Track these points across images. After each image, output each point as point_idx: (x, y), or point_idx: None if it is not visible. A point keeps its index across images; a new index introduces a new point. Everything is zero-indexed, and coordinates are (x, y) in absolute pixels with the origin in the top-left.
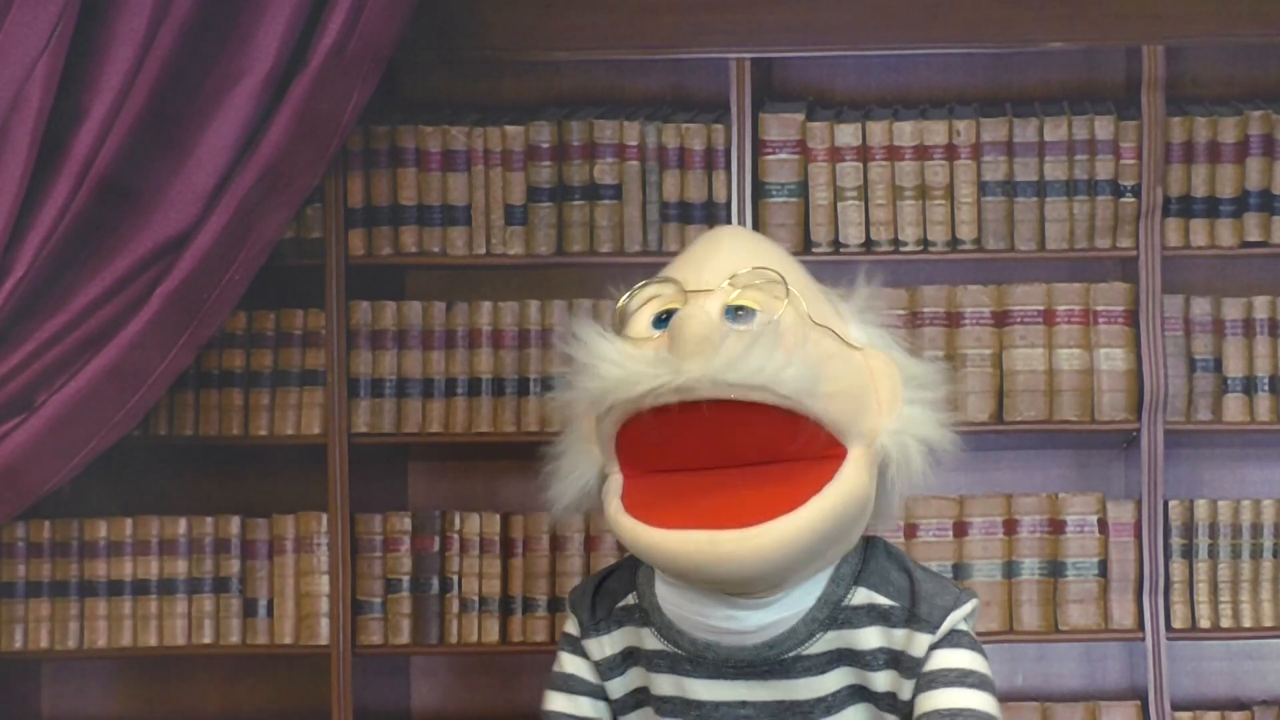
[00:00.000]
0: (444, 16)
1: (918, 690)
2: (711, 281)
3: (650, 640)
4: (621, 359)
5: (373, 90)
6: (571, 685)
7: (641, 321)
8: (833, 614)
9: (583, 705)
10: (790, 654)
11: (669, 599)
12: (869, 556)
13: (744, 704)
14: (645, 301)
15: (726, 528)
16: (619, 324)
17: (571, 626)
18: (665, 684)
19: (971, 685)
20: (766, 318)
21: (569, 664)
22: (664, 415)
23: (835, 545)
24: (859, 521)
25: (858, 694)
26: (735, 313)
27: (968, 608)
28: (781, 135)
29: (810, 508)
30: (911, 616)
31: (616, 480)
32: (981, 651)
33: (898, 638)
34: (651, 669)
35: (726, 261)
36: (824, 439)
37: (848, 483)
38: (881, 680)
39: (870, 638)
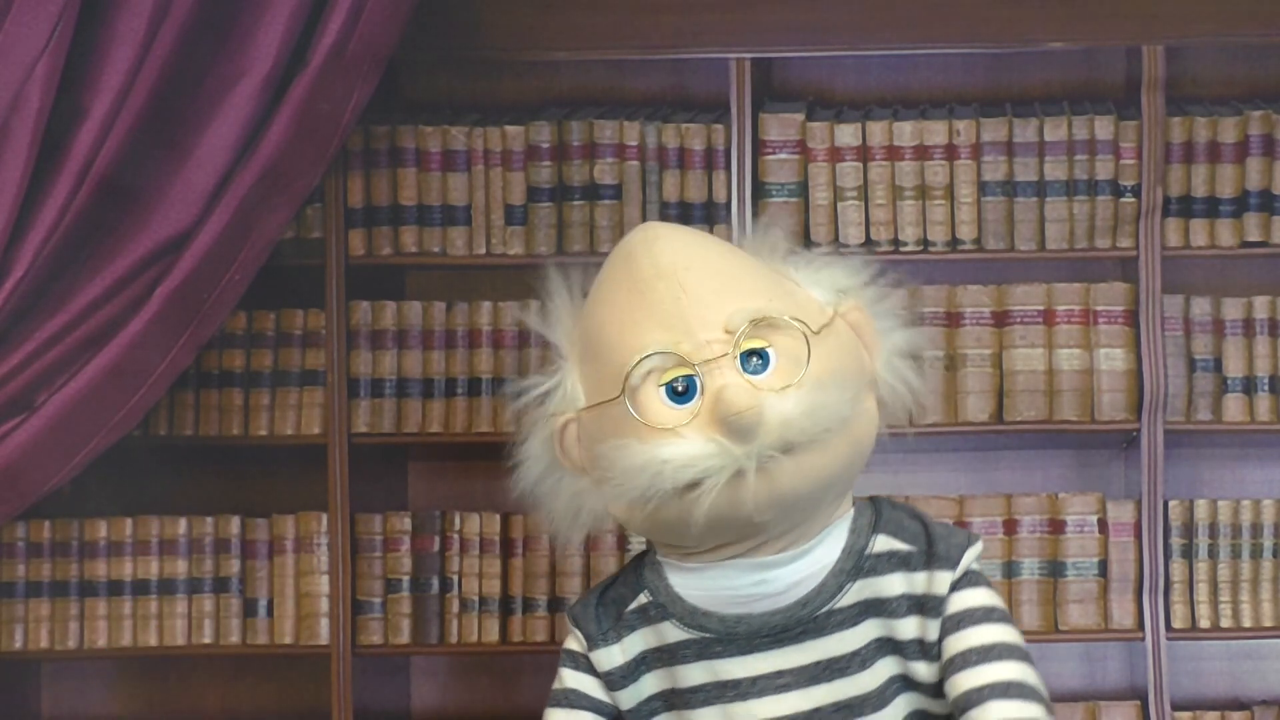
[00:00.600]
0: (444, 16)
1: (945, 632)
2: (713, 344)
3: (673, 632)
4: (685, 458)
5: (373, 90)
6: (573, 700)
7: (654, 401)
8: (858, 563)
9: None
10: (823, 610)
11: (691, 585)
12: (880, 508)
13: (780, 673)
14: (644, 375)
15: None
16: (629, 402)
17: (573, 643)
18: (696, 673)
19: (997, 620)
20: (782, 353)
21: (570, 679)
22: None
23: (849, 478)
24: (867, 457)
25: (886, 646)
26: (749, 360)
27: (979, 547)
28: (781, 135)
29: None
30: (931, 557)
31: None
32: (993, 587)
33: (918, 581)
34: (678, 661)
35: (709, 310)
36: None
37: (864, 417)
38: (906, 628)
39: (894, 584)
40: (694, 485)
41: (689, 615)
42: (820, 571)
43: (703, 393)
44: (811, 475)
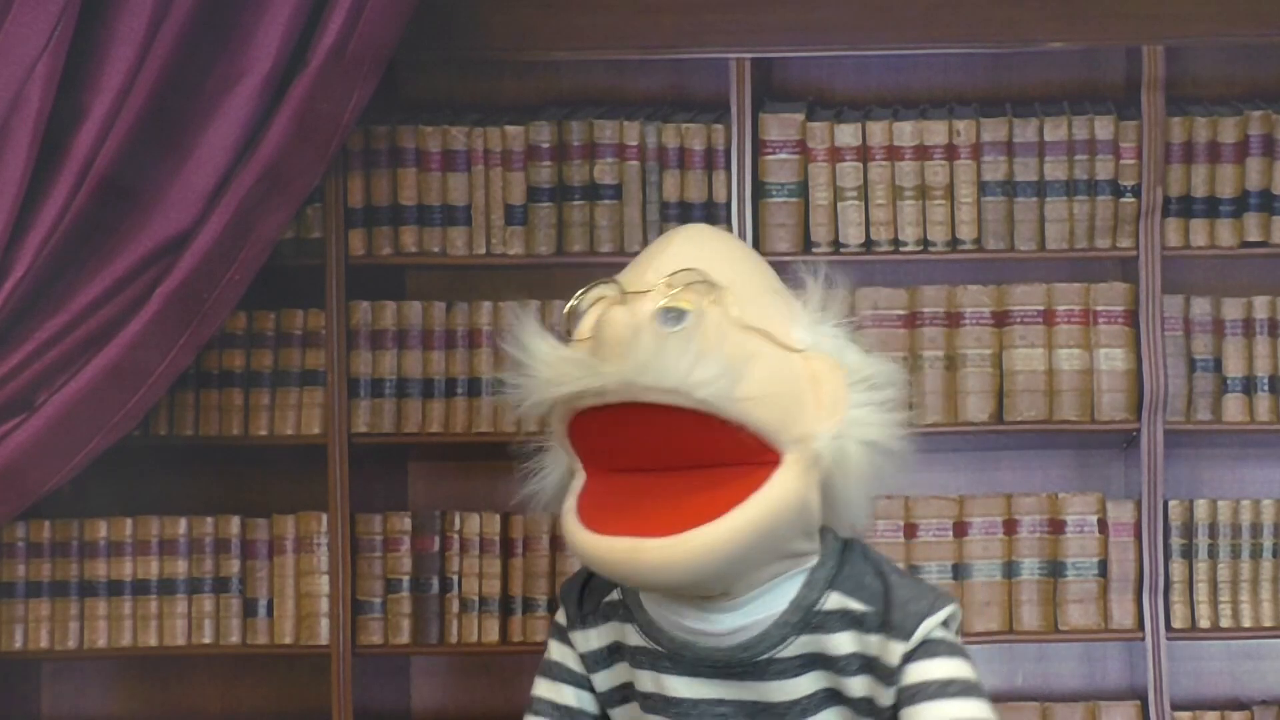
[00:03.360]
0: (444, 16)
1: (900, 704)
2: (649, 282)
3: (633, 636)
4: (552, 360)
5: (373, 90)
6: (555, 673)
7: (586, 324)
8: (805, 618)
9: (565, 693)
10: (763, 656)
11: (648, 597)
12: (844, 560)
13: (721, 701)
14: (594, 302)
15: (653, 534)
16: (570, 325)
17: (561, 616)
18: (646, 680)
19: (955, 694)
20: (699, 321)
21: (555, 652)
22: (600, 417)
23: (774, 551)
24: (795, 527)
25: (833, 697)
26: (667, 314)
27: (943, 614)
28: (781, 135)
29: (731, 517)
30: (885, 623)
31: (580, 478)
32: (963, 654)
33: (871, 644)
34: (634, 665)
35: (670, 262)
36: (755, 445)
37: (775, 491)
38: (856, 685)
39: (843, 643)
40: (565, 400)
41: (646, 625)
42: (764, 621)
43: None
44: (690, 560)
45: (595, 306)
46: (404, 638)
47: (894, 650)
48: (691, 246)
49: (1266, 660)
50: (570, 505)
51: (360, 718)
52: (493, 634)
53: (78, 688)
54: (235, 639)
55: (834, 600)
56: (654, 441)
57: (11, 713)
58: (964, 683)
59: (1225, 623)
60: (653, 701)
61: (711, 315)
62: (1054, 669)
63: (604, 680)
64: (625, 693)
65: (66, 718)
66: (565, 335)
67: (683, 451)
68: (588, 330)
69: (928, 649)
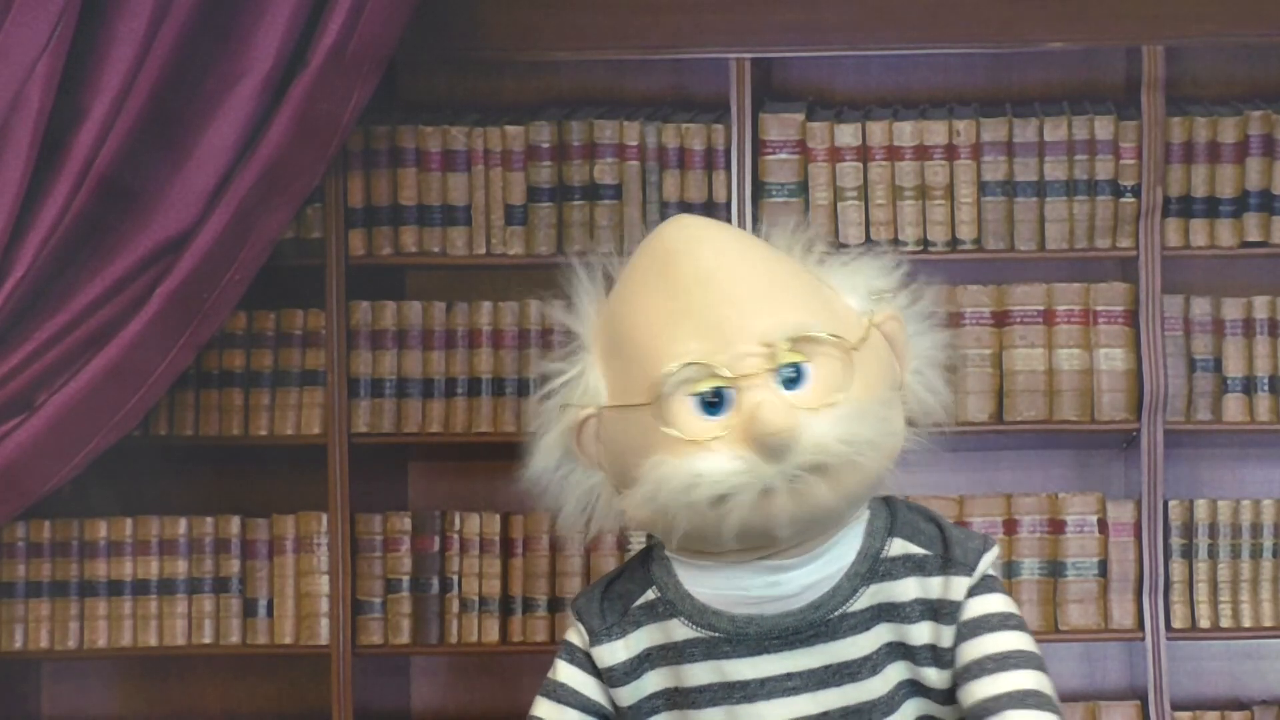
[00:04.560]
0: (444, 16)
1: (961, 638)
2: (745, 350)
3: (680, 630)
4: (718, 474)
5: (373, 90)
6: (561, 695)
7: (685, 411)
8: (873, 567)
9: (569, 717)
10: (835, 613)
11: (701, 583)
12: (895, 510)
13: (789, 675)
14: (679, 384)
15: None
16: (661, 412)
17: (574, 636)
18: (702, 672)
19: (1014, 627)
20: (819, 369)
21: (563, 673)
22: None
23: (875, 490)
24: (893, 465)
25: (897, 651)
26: (786, 374)
27: (995, 551)
28: (781, 135)
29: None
30: (947, 561)
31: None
32: (1009, 594)
33: (933, 586)
34: (684, 660)
35: (748, 321)
36: None
37: (895, 428)
38: (919, 633)
39: (909, 588)
40: (723, 499)
41: (698, 614)
42: (835, 575)
43: (736, 407)
44: (843, 494)
45: (679, 389)
46: (404, 638)
47: (958, 585)
48: (742, 283)
49: (1266, 660)
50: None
51: (360, 718)
52: (493, 634)
53: (78, 688)
54: (235, 639)
55: (897, 546)
56: None
57: (11, 713)
58: (1019, 618)
59: (1225, 623)
60: (711, 692)
61: (826, 360)
62: (1054, 669)
63: (630, 694)
64: (657, 703)
65: (66, 718)
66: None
67: None
68: (693, 419)
69: (986, 584)
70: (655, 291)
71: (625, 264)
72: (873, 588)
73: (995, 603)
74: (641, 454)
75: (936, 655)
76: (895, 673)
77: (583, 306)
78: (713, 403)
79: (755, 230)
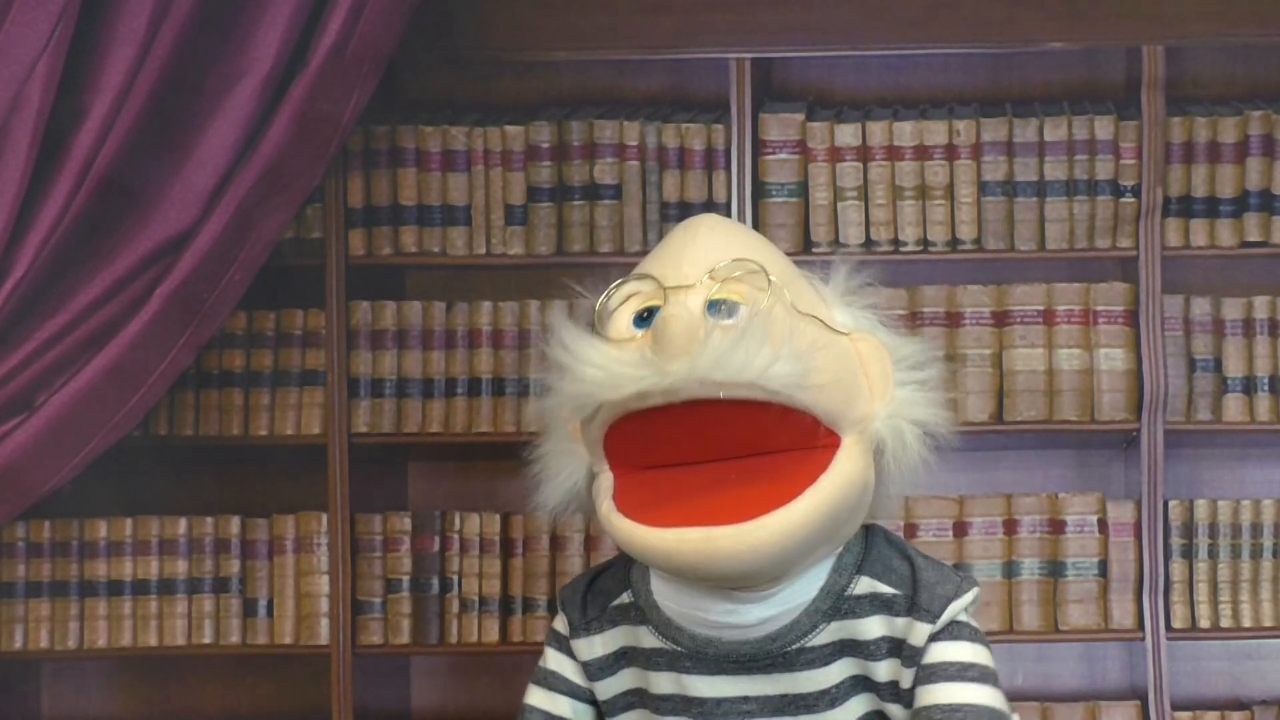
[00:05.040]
0: (444, 16)
1: (917, 683)
2: (691, 276)
3: (648, 639)
4: (605, 361)
5: (373, 90)
6: (551, 682)
7: (622, 321)
8: (836, 604)
9: (560, 704)
10: (793, 646)
11: (666, 596)
12: (870, 545)
13: (746, 699)
14: (624, 300)
15: (721, 524)
16: (598, 324)
17: (560, 624)
18: (664, 682)
19: (972, 679)
20: (751, 310)
21: (552, 661)
22: (651, 414)
23: (834, 535)
24: (858, 510)
25: (860, 684)
26: (718, 307)
27: (968, 597)
28: (781, 135)
29: (806, 499)
30: (913, 605)
31: (607, 479)
32: (983, 642)
33: (899, 626)
34: (650, 668)
35: (704, 254)
36: (816, 429)
37: (843, 472)
38: (883, 670)
39: (873, 627)
40: (631, 396)
41: (663, 625)
42: (794, 610)
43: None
44: (761, 549)
45: (627, 304)
46: (404, 638)
47: (920, 631)
48: (719, 236)
49: (1266, 660)
50: (609, 506)
51: (360, 718)
52: (493, 634)
53: (78, 688)
54: (235, 639)
55: (864, 585)
56: (705, 435)
57: (11, 713)
58: (982, 669)
59: (1225, 623)
60: (672, 703)
61: (773, 305)
62: (1054, 669)
63: (608, 688)
64: (631, 699)
65: (66, 718)
66: (596, 332)
67: (739, 442)
68: (624, 329)
69: (951, 631)
70: (658, 248)
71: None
72: (835, 624)
73: (956, 651)
74: None
75: (898, 694)
76: (859, 705)
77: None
78: (644, 317)
79: (809, 247)
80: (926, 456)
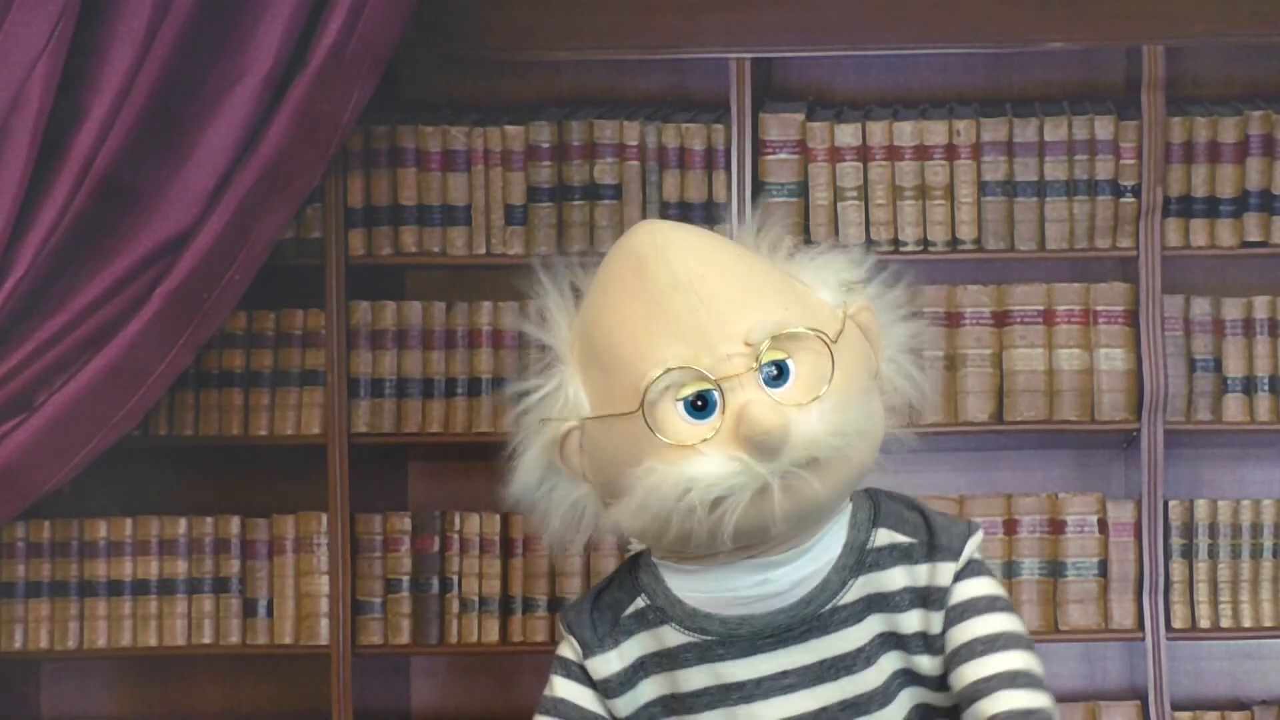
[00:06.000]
0: (444, 16)
1: (949, 623)
2: (734, 354)
3: (672, 637)
4: (711, 477)
5: (373, 90)
6: (562, 710)
7: (673, 417)
8: (860, 558)
9: None
10: (826, 607)
11: (690, 587)
12: (878, 501)
13: (785, 674)
14: (662, 390)
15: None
16: (647, 416)
17: (567, 649)
18: (697, 676)
19: (1000, 609)
20: (801, 365)
21: (560, 688)
22: None
23: (860, 482)
24: (876, 454)
25: (889, 640)
26: (770, 373)
27: (979, 535)
28: (781, 135)
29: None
30: (932, 548)
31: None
32: (993, 574)
33: (920, 573)
34: (678, 666)
35: (728, 323)
36: None
37: (876, 417)
38: (909, 621)
39: (896, 578)
40: (719, 502)
41: (689, 618)
42: (823, 568)
43: (723, 409)
44: (834, 486)
45: (666, 393)
46: (404, 638)
47: (945, 571)
48: (718, 285)
49: (1266, 660)
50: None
51: (360, 718)
52: (493, 634)
53: (78, 688)
54: (235, 639)
55: (883, 536)
56: None
57: (11, 713)
58: (1005, 600)
59: (1225, 623)
60: (708, 696)
61: (808, 357)
62: (1054, 669)
63: (626, 704)
64: (654, 711)
65: (66, 718)
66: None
67: None
68: (682, 425)
69: (972, 568)
70: (631, 297)
71: (592, 272)
72: (861, 579)
73: (981, 586)
74: (630, 463)
75: (927, 642)
76: (889, 663)
77: (553, 317)
78: (699, 406)
79: (722, 230)
80: (924, 373)
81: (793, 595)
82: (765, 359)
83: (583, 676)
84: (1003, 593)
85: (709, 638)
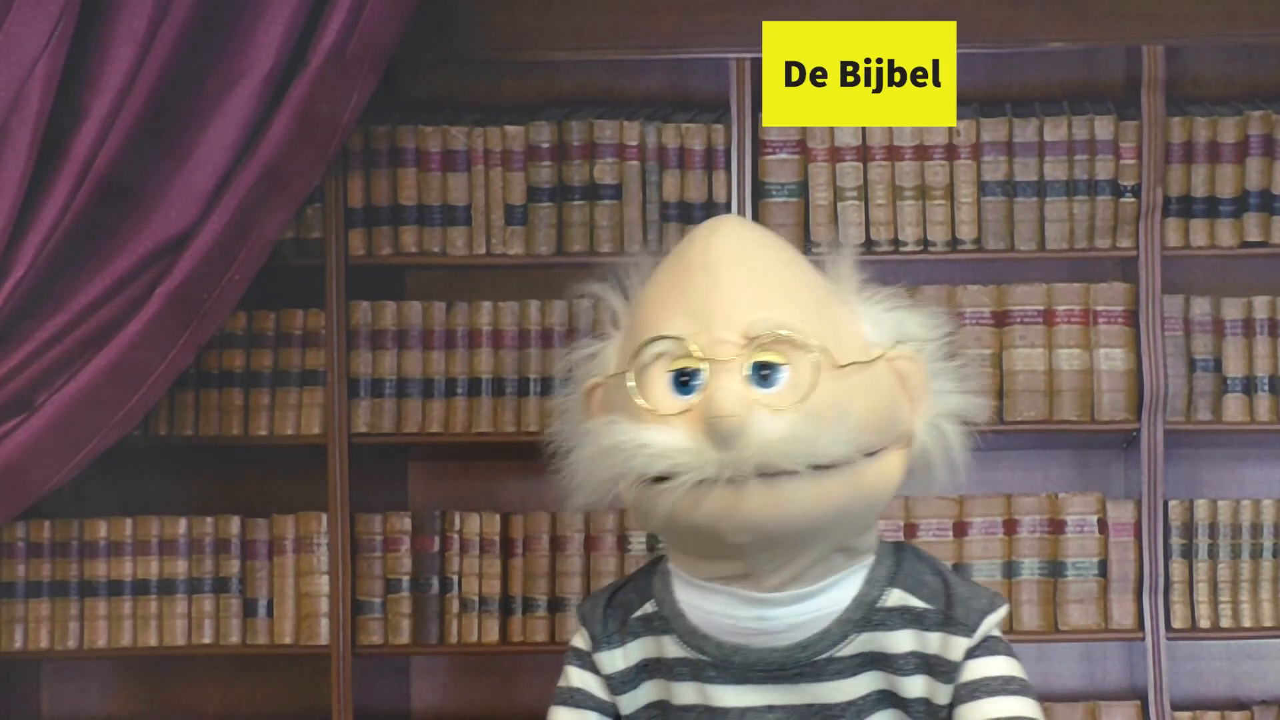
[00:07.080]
0: (444, 16)
1: (959, 700)
2: (727, 342)
3: (672, 648)
4: (662, 449)
5: (373, 90)
6: (578, 700)
7: (659, 385)
8: (867, 615)
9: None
10: (821, 656)
11: (695, 603)
12: (901, 559)
13: (770, 709)
14: (655, 356)
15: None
16: (634, 380)
17: (580, 640)
18: (687, 692)
19: (1014, 692)
20: (796, 374)
21: (576, 678)
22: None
23: (848, 528)
24: (875, 508)
25: (886, 699)
26: (760, 371)
27: (1001, 612)
28: (781, 135)
29: (833, 481)
30: (947, 619)
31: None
32: (1015, 656)
33: (931, 641)
34: (673, 678)
35: (735, 310)
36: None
37: (882, 472)
38: (913, 686)
39: (903, 641)
40: (664, 479)
41: (689, 634)
42: (825, 618)
43: (704, 390)
44: (796, 514)
45: (659, 361)
46: (404, 638)
47: (957, 646)
48: (744, 277)
49: (1266, 660)
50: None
51: (360, 718)
52: (492, 634)
53: (78, 688)
54: (235, 639)
55: (895, 597)
56: None
57: (11, 713)
58: (1021, 682)
59: (1225, 623)
60: (695, 714)
61: (805, 366)
62: (1054, 669)
63: (630, 702)
64: (654, 713)
65: (66, 718)
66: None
67: None
68: (663, 395)
69: (988, 646)
70: (670, 272)
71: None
72: (864, 635)
73: (997, 665)
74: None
75: (930, 711)
76: (886, 719)
77: (629, 290)
78: (685, 384)
79: (809, 247)
80: (967, 449)
81: (789, 637)
82: (758, 356)
83: (594, 667)
84: (1020, 673)
85: (703, 658)
